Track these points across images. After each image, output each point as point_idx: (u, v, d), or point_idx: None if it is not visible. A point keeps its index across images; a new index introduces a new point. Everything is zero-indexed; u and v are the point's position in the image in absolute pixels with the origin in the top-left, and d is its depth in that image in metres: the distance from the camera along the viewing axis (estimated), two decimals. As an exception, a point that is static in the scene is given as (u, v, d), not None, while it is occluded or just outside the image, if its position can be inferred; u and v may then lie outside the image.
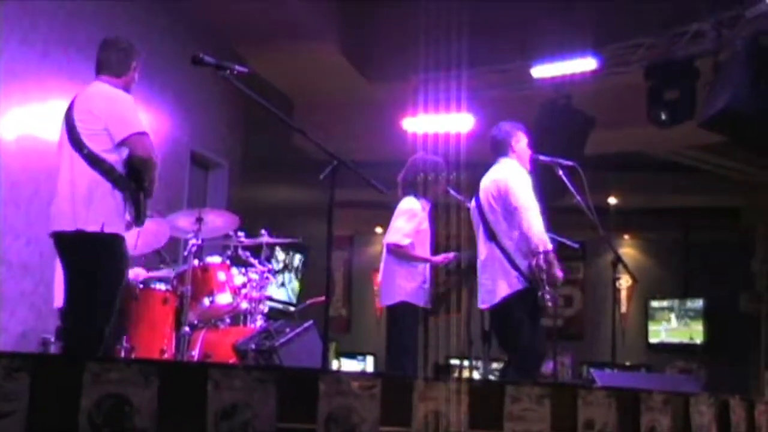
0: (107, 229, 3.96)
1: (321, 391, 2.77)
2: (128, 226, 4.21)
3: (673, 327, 13.42)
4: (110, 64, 4.22)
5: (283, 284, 10.31)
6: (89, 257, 4.00)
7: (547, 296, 4.96)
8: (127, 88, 4.21)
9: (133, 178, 4.07)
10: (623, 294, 13.61)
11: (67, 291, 4.09)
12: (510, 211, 5.06)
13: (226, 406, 2.62)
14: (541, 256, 4.92)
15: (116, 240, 4.03)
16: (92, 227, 3.94)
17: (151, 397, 2.52)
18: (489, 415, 3.20)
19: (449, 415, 3.06)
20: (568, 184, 5.41)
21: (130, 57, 4.25)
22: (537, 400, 3.28)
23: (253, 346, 5.16)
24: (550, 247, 5.04)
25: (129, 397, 2.50)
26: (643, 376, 8.38)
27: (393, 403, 2.93)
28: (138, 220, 4.17)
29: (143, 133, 4.04)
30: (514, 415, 3.22)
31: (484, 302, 5.24)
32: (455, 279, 6.15)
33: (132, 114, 4.06)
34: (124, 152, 4.04)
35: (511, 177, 5.15)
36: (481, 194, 5.29)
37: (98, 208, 3.96)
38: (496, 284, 5.10)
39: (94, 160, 3.97)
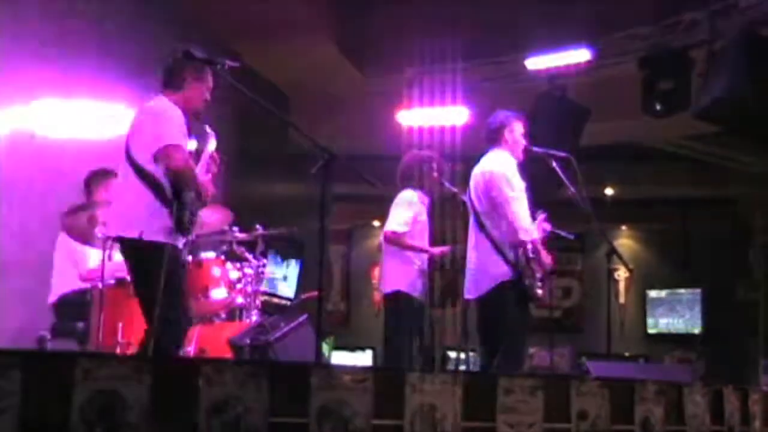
0: (146, 237, 4.01)
1: (313, 385, 2.78)
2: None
3: (671, 317, 13.43)
4: (166, 79, 4.25)
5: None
6: (129, 262, 4.16)
7: (537, 284, 4.98)
8: (189, 102, 4.19)
9: (174, 189, 4.08)
10: (621, 285, 13.64)
11: None
12: (496, 203, 5.09)
13: (218, 401, 2.62)
14: (529, 246, 4.94)
15: (155, 247, 4.01)
16: (131, 234, 4.03)
17: (143, 393, 2.52)
18: (482, 407, 3.20)
19: (442, 408, 3.06)
20: (562, 175, 5.42)
21: (183, 68, 4.21)
22: (530, 391, 3.28)
23: (248, 341, 5.17)
24: (536, 236, 5.07)
25: (121, 393, 2.51)
26: (638, 367, 8.41)
27: (386, 396, 2.93)
28: (179, 229, 4.11)
29: (172, 145, 4.01)
30: (507, 407, 3.22)
31: (470, 292, 5.24)
32: (450, 272, 6.17)
33: (165, 127, 4.04)
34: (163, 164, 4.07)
35: (497, 169, 5.16)
36: (471, 184, 5.32)
37: (140, 216, 4.04)
38: (483, 274, 5.12)
39: (139, 171, 4.05)
